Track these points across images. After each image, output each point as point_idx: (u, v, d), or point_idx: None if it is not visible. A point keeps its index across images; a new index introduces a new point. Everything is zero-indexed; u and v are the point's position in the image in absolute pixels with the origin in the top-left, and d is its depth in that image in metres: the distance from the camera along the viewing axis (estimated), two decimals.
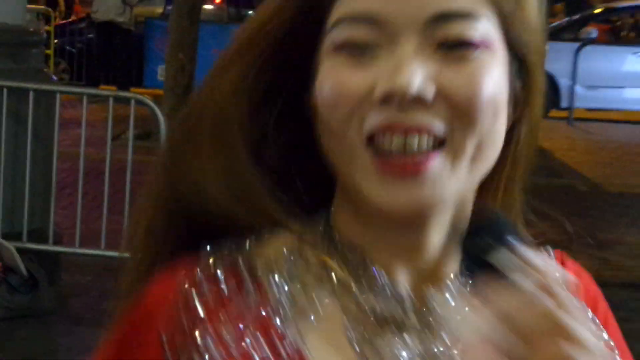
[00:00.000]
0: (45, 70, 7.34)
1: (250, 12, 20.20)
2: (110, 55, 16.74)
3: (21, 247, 6.37)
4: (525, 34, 1.13)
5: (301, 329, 1.12)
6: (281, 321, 1.11)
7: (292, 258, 1.15)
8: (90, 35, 17.23)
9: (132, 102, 6.90)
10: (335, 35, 1.10)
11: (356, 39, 1.08)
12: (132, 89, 16.43)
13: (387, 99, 1.05)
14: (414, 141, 1.06)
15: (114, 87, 16.36)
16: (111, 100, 6.90)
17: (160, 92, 13.05)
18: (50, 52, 17.18)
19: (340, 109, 1.08)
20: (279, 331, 1.11)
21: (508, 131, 1.14)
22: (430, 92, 1.05)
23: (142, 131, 8.69)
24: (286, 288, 1.13)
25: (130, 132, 6.91)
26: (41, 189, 6.69)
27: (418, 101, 1.05)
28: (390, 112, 1.05)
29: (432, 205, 1.08)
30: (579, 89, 16.70)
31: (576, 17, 18.77)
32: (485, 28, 1.08)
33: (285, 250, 1.16)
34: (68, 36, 17.73)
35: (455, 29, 1.07)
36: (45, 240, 6.62)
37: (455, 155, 1.07)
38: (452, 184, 1.08)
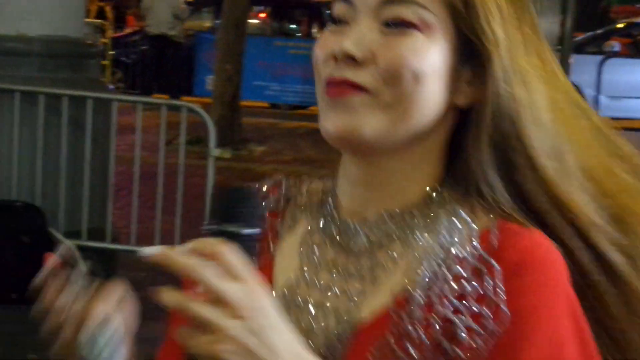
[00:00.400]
0: (102, 79, 7.37)
1: (293, 26, 20.22)
2: (163, 66, 16.81)
3: (81, 244, 6.39)
4: (480, 26, 1.28)
5: (284, 236, 1.39)
6: (280, 228, 1.40)
7: (305, 194, 1.42)
8: (144, 47, 17.31)
9: (184, 109, 6.91)
10: (332, 11, 1.33)
11: (337, 14, 1.32)
12: (183, 98, 16.50)
13: (336, 57, 1.28)
14: (343, 86, 1.27)
15: (166, 96, 16.43)
16: (164, 108, 6.92)
17: (208, 100, 13.08)
18: (107, 62, 17.29)
19: (317, 61, 1.32)
20: (275, 236, 1.40)
21: (472, 110, 1.30)
22: (359, 54, 1.27)
23: (193, 137, 8.72)
24: (288, 211, 1.41)
25: (182, 138, 6.92)
26: (99, 191, 6.72)
27: (350, 60, 1.27)
28: (337, 67, 1.28)
29: (354, 133, 1.26)
30: (602, 99, 16.57)
31: (600, 31, 18.62)
32: (426, 14, 1.27)
33: (308, 188, 1.42)
34: (123, 48, 17.84)
35: (396, 11, 1.27)
36: (103, 239, 6.65)
37: (373, 100, 1.26)
38: (370, 120, 1.26)
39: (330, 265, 1.33)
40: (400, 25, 1.27)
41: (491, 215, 1.28)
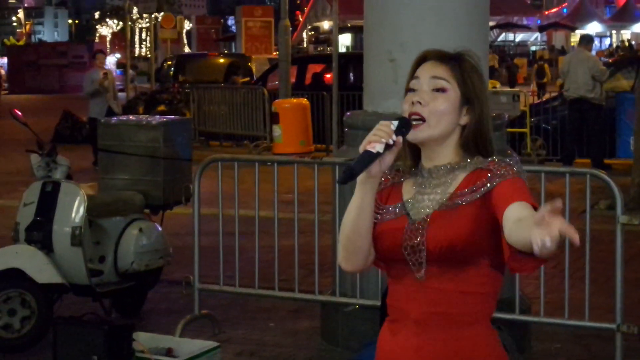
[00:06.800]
0: (508, 152, 7.42)
1: None
2: (584, 130, 16.61)
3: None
4: (469, 89, 3.03)
5: (403, 182, 3.12)
6: (400, 181, 3.13)
7: (405, 167, 3.13)
8: (564, 112, 17.21)
9: (587, 176, 6.78)
10: (409, 84, 3.06)
11: (412, 85, 3.05)
12: (606, 161, 16.19)
13: (413, 102, 3.05)
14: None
15: (588, 160, 16.18)
16: (567, 176, 6.82)
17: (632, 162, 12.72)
18: (526, 130, 17.41)
19: (404, 106, 3.08)
20: (398, 182, 3.13)
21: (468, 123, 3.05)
22: (424, 102, 3.01)
23: (611, 203, 8.52)
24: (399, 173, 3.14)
25: (587, 204, 6.78)
26: None
27: (419, 104, 3.01)
28: (414, 107, 3.04)
29: (421, 137, 3.04)
30: None
31: None
32: (448, 84, 3.02)
33: (406, 165, 3.15)
34: (542, 114, 17.86)
35: (439, 84, 3.03)
36: (512, 310, 6.63)
37: (428, 125, 2.99)
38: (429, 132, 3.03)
39: (428, 186, 3.02)
40: (438, 90, 3.01)
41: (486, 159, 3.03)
